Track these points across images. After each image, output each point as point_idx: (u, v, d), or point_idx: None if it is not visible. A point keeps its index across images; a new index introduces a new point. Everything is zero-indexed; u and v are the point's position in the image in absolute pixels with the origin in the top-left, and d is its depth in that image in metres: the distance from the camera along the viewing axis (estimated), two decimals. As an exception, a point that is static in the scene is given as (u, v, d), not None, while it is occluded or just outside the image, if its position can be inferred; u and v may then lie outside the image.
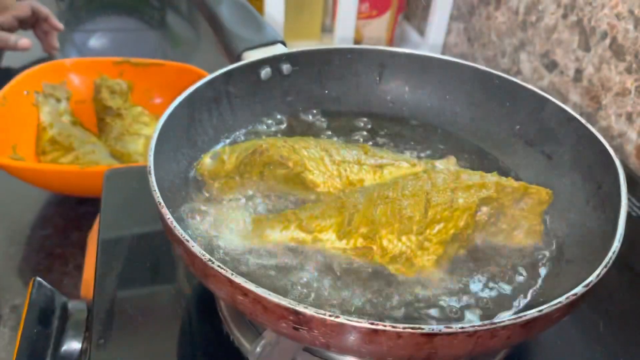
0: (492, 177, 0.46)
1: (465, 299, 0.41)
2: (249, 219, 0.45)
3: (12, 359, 0.45)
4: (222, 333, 0.46)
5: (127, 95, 0.85)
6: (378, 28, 1.10)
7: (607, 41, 0.72)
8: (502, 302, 0.41)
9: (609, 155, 0.46)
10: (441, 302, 0.40)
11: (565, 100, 0.81)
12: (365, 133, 0.58)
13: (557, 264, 0.44)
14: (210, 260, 0.34)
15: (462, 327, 0.31)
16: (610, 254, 0.36)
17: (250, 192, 0.48)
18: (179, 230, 0.36)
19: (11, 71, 1.10)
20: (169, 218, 0.36)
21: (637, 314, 0.53)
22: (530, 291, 0.42)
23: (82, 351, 0.47)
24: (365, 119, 0.60)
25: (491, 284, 0.42)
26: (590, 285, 0.34)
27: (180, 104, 0.48)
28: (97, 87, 0.84)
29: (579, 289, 0.34)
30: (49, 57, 1.08)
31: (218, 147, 0.53)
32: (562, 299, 0.33)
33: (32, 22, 1.03)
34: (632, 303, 0.54)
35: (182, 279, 0.51)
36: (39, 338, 0.46)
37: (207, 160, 0.49)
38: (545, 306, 0.32)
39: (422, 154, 0.56)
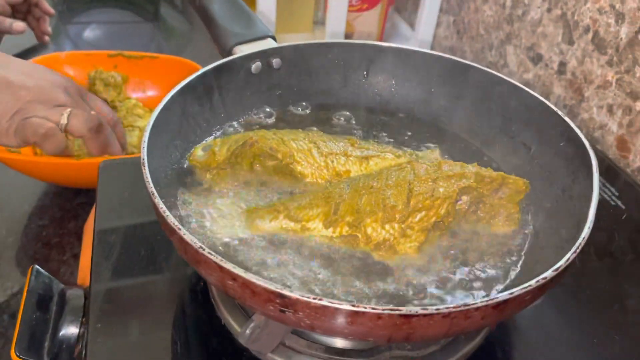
0: (472, 168, 0.48)
1: (445, 284, 0.43)
2: (240, 210, 0.47)
3: (12, 343, 0.47)
4: (214, 317, 0.48)
5: (121, 87, 0.87)
6: (369, 21, 1.11)
7: (590, 35, 0.74)
8: (482, 287, 0.43)
9: (585, 147, 0.48)
10: (422, 287, 0.42)
11: (549, 92, 0.83)
12: (352, 125, 0.60)
13: (534, 250, 0.46)
14: (201, 247, 0.36)
15: (438, 309, 0.33)
16: (580, 240, 0.38)
17: (241, 183, 0.50)
18: (171, 219, 0.37)
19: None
20: (161, 207, 0.38)
21: (617, 297, 0.55)
22: (509, 276, 0.44)
23: (80, 335, 0.49)
24: (353, 112, 0.62)
25: (471, 270, 0.44)
26: (559, 270, 0.36)
27: (173, 97, 0.50)
28: (92, 79, 0.86)
29: (548, 273, 0.36)
30: (41, 46, 1.09)
31: (210, 139, 0.55)
32: (532, 282, 0.35)
33: (24, 11, 1.03)
34: (612, 287, 0.56)
35: (176, 266, 0.53)
36: (37, 323, 0.48)
37: (198, 151, 0.50)
38: (516, 289, 0.34)
39: (408, 146, 0.58)
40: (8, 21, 0.95)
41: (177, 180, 0.49)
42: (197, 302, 0.49)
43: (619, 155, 0.72)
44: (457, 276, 0.44)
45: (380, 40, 1.15)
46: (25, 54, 1.15)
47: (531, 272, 0.44)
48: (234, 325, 0.46)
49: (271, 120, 0.59)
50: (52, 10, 1.01)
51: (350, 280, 0.42)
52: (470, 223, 0.48)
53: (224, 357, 0.45)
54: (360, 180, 0.47)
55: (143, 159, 0.42)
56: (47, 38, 1.03)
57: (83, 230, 0.74)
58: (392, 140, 0.58)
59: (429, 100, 0.62)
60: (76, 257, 0.71)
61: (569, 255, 0.37)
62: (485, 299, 0.34)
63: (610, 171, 0.70)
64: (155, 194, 0.40)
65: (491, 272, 0.44)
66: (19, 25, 0.95)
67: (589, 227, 0.39)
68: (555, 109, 0.52)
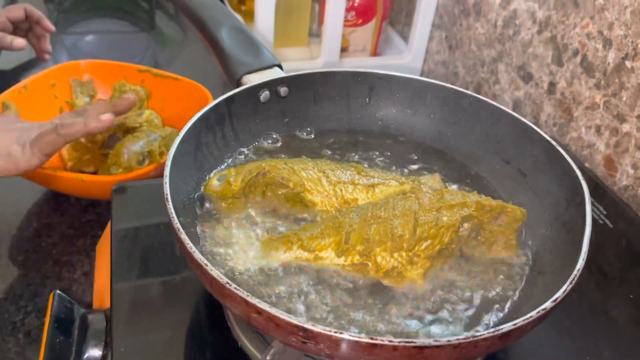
0: (473, 197, 0.51)
1: (450, 308, 0.46)
2: (255, 238, 0.49)
3: (39, 368, 0.49)
4: (230, 339, 0.50)
5: (143, 102, 0.88)
6: (363, 35, 1.14)
7: (579, 58, 0.78)
8: (484, 310, 0.46)
9: (576, 176, 0.51)
10: (429, 311, 0.45)
11: (540, 110, 0.87)
12: (356, 149, 0.63)
13: (531, 275, 0.50)
14: (227, 283, 0.38)
15: (449, 340, 0.36)
16: (575, 271, 0.42)
17: (254, 211, 0.52)
18: (197, 255, 0.40)
19: (3, 73, 1.13)
20: (188, 244, 0.41)
21: (605, 311, 0.58)
22: (509, 300, 0.47)
23: (103, 358, 0.51)
24: (356, 136, 0.65)
25: (473, 293, 0.48)
26: (557, 301, 0.39)
27: (189, 129, 0.53)
28: (116, 90, 0.87)
29: (547, 304, 0.39)
30: (37, 60, 1.10)
31: (222, 167, 0.57)
32: (533, 314, 0.38)
33: (26, 29, 1.05)
34: (601, 301, 0.60)
35: (193, 290, 0.55)
36: (61, 347, 0.51)
37: (214, 181, 0.53)
38: (519, 320, 0.38)
39: (410, 169, 0.61)
40: (9, 38, 0.96)
41: (195, 210, 0.52)
42: (214, 326, 0.51)
43: (607, 173, 0.76)
44: (460, 300, 0.47)
45: (375, 53, 1.18)
46: (22, 68, 1.17)
47: (530, 296, 0.47)
48: (250, 348, 0.49)
49: (278, 146, 0.62)
50: (53, 28, 1.02)
51: (363, 306, 0.45)
52: (471, 248, 0.51)
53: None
54: (368, 210, 0.50)
55: (166, 195, 0.45)
56: (47, 56, 1.05)
57: (93, 248, 0.76)
58: (394, 164, 0.61)
59: (428, 125, 0.65)
60: (87, 275, 0.73)
61: (566, 287, 0.40)
62: (492, 330, 0.37)
63: (598, 189, 0.73)
64: (181, 229, 0.42)
65: (492, 295, 0.48)
66: (19, 42, 0.97)
67: (583, 259, 0.43)
68: (549, 138, 0.55)
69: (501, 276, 0.49)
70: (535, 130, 0.57)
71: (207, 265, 0.39)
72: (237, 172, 0.53)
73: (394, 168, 0.61)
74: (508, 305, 0.47)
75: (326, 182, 0.53)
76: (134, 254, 0.58)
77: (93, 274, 0.72)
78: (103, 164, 0.79)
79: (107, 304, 0.55)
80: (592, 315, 0.58)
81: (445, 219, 0.49)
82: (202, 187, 0.54)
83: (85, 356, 0.51)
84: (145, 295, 0.54)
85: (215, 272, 0.39)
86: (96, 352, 0.51)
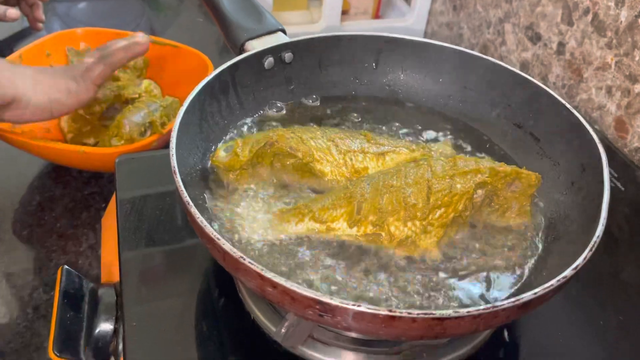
0: (486, 163, 0.50)
1: (464, 275, 0.46)
2: (265, 210, 0.48)
3: (50, 343, 0.49)
4: (243, 311, 0.50)
5: (142, 70, 0.86)
6: (365, -3, 1.11)
7: (589, 17, 0.76)
8: (499, 278, 0.45)
9: (593, 141, 0.50)
10: (444, 279, 0.45)
11: (548, 71, 0.85)
12: (364, 116, 0.61)
13: (546, 242, 0.49)
14: (241, 257, 0.37)
15: (469, 312, 0.35)
16: (594, 238, 0.41)
17: (263, 182, 0.51)
18: (209, 229, 0.39)
19: (-5, 44, 1.10)
20: (199, 218, 0.40)
21: (613, 275, 0.58)
22: (525, 267, 0.46)
23: (115, 331, 0.51)
24: (363, 102, 0.63)
25: (488, 260, 0.47)
26: (577, 269, 0.39)
27: (194, 99, 0.51)
28: None
29: (567, 272, 0.38)
30: (29, 30, 1.07)
31: (227, 137, 0.56)
32: (554, 282, 0.37)
33: None
34: (611, 265, 0.59)
35: (203, 261, 0.54)
36: (72, 322, 0.50)
37: (221, 152, 0.52)
38: (539, 289, 0.37)
39: (419, 137, 0.59)
40: (2, 8, 0.93)
41: (202, 181, 0.51)
42: (226, 298, 0.51)
43: (617, 135, 0.75)
44: (475, 268, 0.46)
45: (376, 16, 1.15)
46: (14, 38, 1.14)
47: (546, 263, 0.47)
48: (263, 320, 0.48)
49: (284, 114, 0.60)
50: None
51: (378, 276, 0.44)
52: (485, 215, 0.50)
53: (255, 351, 0.48)
54: (380, 179, 0.48)
55: (174, 167, 0.44)
56: (40, 25, 1.02)
57: (97, 221, 0.76)
58: (404, 130, 0.60)
59: (437, 89, 0.63)
60: (92, 248, 0.72)
61: (586, 254, 0.39)
62: (512, 299, 0.36)
63: (608, 152, 0.72)
64: (191, 203, 0.41)
65: (507, 263, 0.47)
66: (13, 12, 0.94)
67: (602, 225, 0.42)
68: (564, 101, 0.54)
69: (516, 243, 0.48)
70: (548, 92, 0.56)
71: (219, 240, 0.38)
72: (244, 142, 0.52)
73: (403, 135, 0.60)
74: (525, 272, 0.46)
75: (336, 151, 0.52)
76: (141, 226, 0.57)
77: (99, 247, 0.72)
78: (103, 136, 0.77)
79: (116, 278, 0.55)
80: (601, 280, 0.57)
81: (459, 186, 0.48)
82: (208, 158, 0.53)
83: (97, 331, 0.51)
84: (154, 267, 0.54)
85: (228, 246, 0.38)
86: (108, 326, 0.51)
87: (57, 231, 0.74)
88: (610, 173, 0.67)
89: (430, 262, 0.46)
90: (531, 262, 0.47)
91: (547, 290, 0.37)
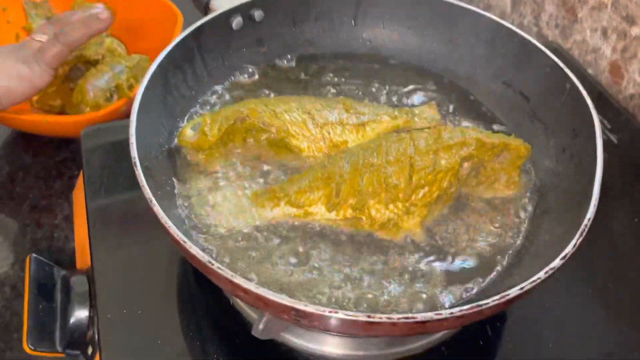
0: (473, 133, 0.47)
1: (450, 257, 0.44)
2: (238, 194, 0.45)
3: (23, 336, 0.47)
4: (222, 297, 0.48)
5: None
6: None
7: (587, -49, 0.70)
8: (486, 259, 0.44)
9: (586, 104, 0.46)
10: (430, 263, 0.43)
11: (541, 10, 0.80)
12: (343, 75, 0.57)
13: (534, 215, 0.46)
14: (209, 262, 0.35)
15: (452, 313, 0.33)
16: (585, 221, 0.38)
17: (235, 161, 0.48)
18: (174, 231, 0.36)
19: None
20: (163, 218, 0.37)
21: (604, 230, 0.56)
22: (513, 246, 0.44)
23: (90, 319, 0.49)
24: (342, 61, 0.59)
25: (475, 239, 0.45)
26: (566, 257, 0.36)
27: (154, 73, 0.47)
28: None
29: (556, 262, 0.36)
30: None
31: (195, 109, 0.52)
32: (541, 274, 0.35)
33: None
34: (602, 227, 0.57)
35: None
36: (45, 313, 0.48)
37: (188, 131, 0.48)
38: (526, 283, 0.35)
39: (403, 98, 0.56)
40: None
41: (169, 163, 0.47)
42: (205, 283, 0.49)
43: (612, 81, 0.71)
44: (461, 248, 0.44)
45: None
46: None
47: (535, 239, 0.45)
48: (242, 306, 0.47)
49: (256, 79, 0.56)
50: None
51: (359, 261, 0.42)
52: (471, 187, 0.48)
53: (234, 338, 0.46)
54: (359, 156, 0.45)
55: (134, 158, 0.40)
56: None
57: (71, 189, 0.72)
58: (386, 91, 0.56)
59: (421, 44, 0.59)
60: (67, 219, 0.69)
61: (575, 240, 0.37)
62: (497, 298, 0.34)
63: (601, 99, 0.69)
64: (154, 201, 0.38)
65: (495, 240, 0.45)
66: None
67: (594, 205, 0.39)
68: (558, 60, 0.50)
69: (503, 217, 0.46)
70: (538, 47, 0.52)
71: (185, 242, 0.36)
72: (212, 119, 0.48)
73: (385, 96, 0.56)
74: (512, 250, 0.44)
75: (312, 125, 0.48)
76: (112, 206, 0.54)
77: (73, 216, 0.69)
78: (70, 98, 0.72)
79: (89, 260, 0.53)
80: (593, 242, 0.56)
81: (443, 162, 0.45)
82: (175, 136, 0.49)
83: (72, 320, 0.49)
84: (128, 252, 0.51)
85: (195, 250, 0.36)
86: (82, 315, 0.49)
87: (30, 202, 0.71)
88: (603, 125, 0.65)
89: (414, 244, 0.44)
90: (520, 238, 0.45)
91: (534, 284, 0.35)
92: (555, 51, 0.73)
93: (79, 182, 0.63)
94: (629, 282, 0.52)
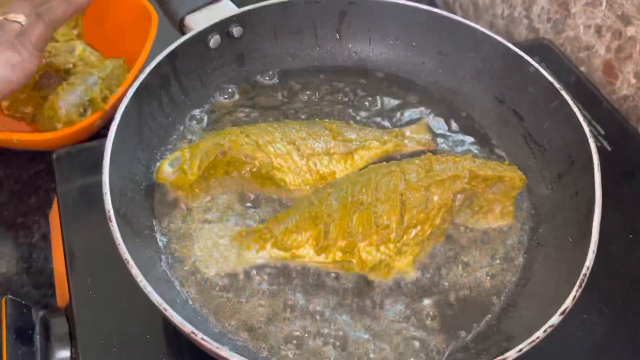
0: (466, 163, 0.45)
1: (444, 297, 0.42)
2: (223, 234, 0.43)
3: (3, 385, 0.46)
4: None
5: (77, 20, 0.75)
6: None
7: (581, -56, 0.66)
8: (482, 298, 0.42)
9: (584, 132, 0.44)
10: (421, 309, 0.41)
11: (532, 2, 0.76)
12: (328, 91, 0.55)
13: (530, 247, 0.45)
14: (193, 332, 0.33)
15: (448, 381, 0.32)
16: (584, 269, 0.37)
17: (218, 197, 0.46)
18: (155, 297, 0.34)
19: None
20: (142, 282, 0.35)
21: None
22: (506, 287, 0.43)
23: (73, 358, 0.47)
24: (327, 75, 0.56)
25: (467, 276, 0.43)
26: (566, 312, 0.35)
27: (127, 108, 0.44)
28: None
29: (555, 319, 0.35)
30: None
31: (175, 137, 0.49)
32: (540, 333, 0.34)
33: None
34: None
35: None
36: (25, 358, 0.47)
37: (166, 167, 0.45)
38: (524, 344, 0.34)
39: (390, 114, 0.53)
40: None
41: (147, 202, 0.45)
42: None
43: (605, 80, 0.69)
44: (454, 288, 0.43)
45: None
46: None
47: (529, 278, 0.43)
48: (230, 349, 0.45)
49: (236, 99, 0.53)
50: None
51: (351, 308, 0.41)
52: (463, 218, 0.46)
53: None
54: (348, 192, 0.43)
55: (109, 212, 0.38)
56: None
57: (48, 205, 0.70)
58: (375, 108, 0.53)
59: (409, 57, 0.56)
60: (45, 238, 0.67)
61: (575, 293, 0.36)
62: (495, 361, 0.33)
63: (594, 98, 0.67)
64: (131, 260, 0.36)
65: (489, 278, 0.43)
66: None
67: (593, 251, 0.38)
68: (553, 80, 0.48)
69: (498, 251, 0.45)
70: (532, 64, 0.49)
71: (166, 310, 0.34)
72: (191, 153, 0.45)
73: (373, 112, 0.53)
74: (507, 290, 0.43)
75: (297, 156, 0.46)
76: (90, 240, 0.52)
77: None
78: (41, 109, 0.69)
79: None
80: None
81: (435, 198, 0.43)
82: (153, 171, 0.46)
83: (53, 364, 0.47)
84: (110, 288, 0.49)
85: (177, 319, 0.34)
86: (63, 354, 0.48)
87: (5, 220, 0.68)
88: (596, 130, 0.63)
89: (406, 285, 0.42)
90: (514, 277, 0.43)
91: (532, 344, 0.34)
92: (547, 48, 0.72)
93: (55, 205, 0.60)
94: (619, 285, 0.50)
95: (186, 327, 0.33)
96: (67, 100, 0.62)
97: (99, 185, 0.54)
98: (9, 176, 0.72)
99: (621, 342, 0.47)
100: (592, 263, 0.37)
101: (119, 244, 0.36)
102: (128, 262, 0.36)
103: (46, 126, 0.66)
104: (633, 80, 0.66)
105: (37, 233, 0.68)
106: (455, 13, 0.90)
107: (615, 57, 0.67)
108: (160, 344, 0.46)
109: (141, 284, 0.35)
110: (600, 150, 0.62)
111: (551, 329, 0.34)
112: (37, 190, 0.71)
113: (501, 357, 0.33)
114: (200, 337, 0.33)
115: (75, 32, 0.77)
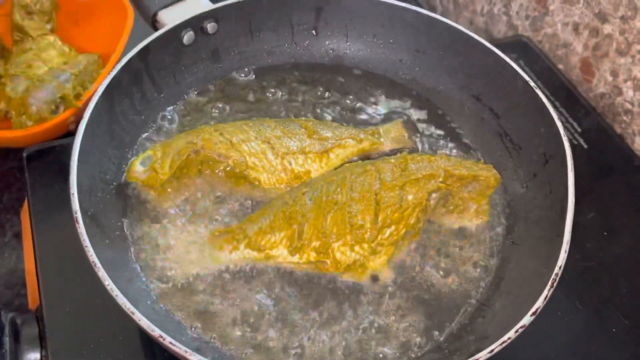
0: (441, 162, 0.45)
1: (417, 296, 0.42)
2: (195, 235, 0.43)
3: (-30, 389, 0.45)
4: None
5: (50, 15, 0.73)
6: None
7: (559, -58, 0.66)
8: (456, 296, 0.42)
9: (558, 131, 0.44)
10: (394, 305, 0.41)
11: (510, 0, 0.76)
12: (304, 89, 0.54)
13: (504, 246, 0.45)
14: (161, 336, 0.33)
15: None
16: (556, 269, 0.37)
17: (191, 196, 0.45)
18: (123, 301, 0.34)
19: None
20: (109, 285, 0.34)
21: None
22: (480, 286, 0.43)
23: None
24: (304, 72, 0.55)
25: (442, 275, 0.43)
26: (537, 312, 0.35)
27: (96, 106, 0.43)
28: (15, 5, 0.71)
29: (526, 319, 0.35)
30: None
31: (147, 134, 0.48)
32: (511, 334, 0.34)
33: None
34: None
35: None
36: (-6, 361, 0.46)
37: (137, 166, 0.44)
38: (496, 345, 0.34)
39: (367, 112, 0.53)
40: None
41: (118, 202, 0.44)
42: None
43: (582, 78, 0.69)
44: (429, 286, 0.43)
45: None
46: None
47: (503, 278, 0.43)
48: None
49: (212, 97, 0.52)
50: None
51: (324, 311, 0.40)
52: (438, 216, 0.46)
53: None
54: (322, 192, 0.43)
55: (76, 213, 0.37)
56: None
57: (20, 203, 0.68)
58: (350, 107, 0.53)
59: (387, 54, 0.55)
60: (18, 237, 0.65)
61: (546, 293, 0.36)
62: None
63: (571, 96, 0.67)
64: (99, 264, 0.35)
65: (463, 276, 0.43)
66: None
67: (565, 251, 0.38)
68: (529, 79, 0.47)
69: (473, 249, 0.45)
70: (509, 64, 0.49)
71: (134, 314, 0.33)
72: (163, 152, 0.44)
73: (349, 110, 0.53)
74: (481, 289, 0.43)
75: (272, 155, 0.45)
76: (61, 240, 0.51)
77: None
78: (13, 102, 0.67)
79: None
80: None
81: (410, 197, 0.43)
82: (124, 171, 0.45)
83: (23, 366, 0.46)
84: (81, 289, 0.48)
85: (145, 322, 0.33)
86: (33, 356, 0.47)
87: (-23, 219, 0.67)
88: (573, 128, 0.63)
89: (381, 285, 0.42)
90: (489, 276, 0.43)
91: (504, 344, 0.34)
92: (525, 45, 0.72)
93: (25, 207, 0.59)
94: (593, 282, 0.51)
95: (155, 331, 0.33)
96: (37, 96, 0.61)
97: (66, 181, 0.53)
98: (-20, 173, 0.71)
99: (595, 338, 0.47)
100: (564, 262, 0.37)
101: (86, 246, 0.36)
102: (95, 264, 0.35)
103: (17, 123, 0.65)
104: (609, 78, 0.66)
105: (9, 231, 0.66)
106: (435, 9, 0.90)
107: (592, 54, 0.67)
108: (132, 345, 0.46)
109: (108, 287, 0.34)
110: (577, 147, 0.62)
111: (522, 329, 0.34)
112: (10, 188, 0.70)
113: (473, 358, 0.33)
114: (168, 341, 0.32)
115: (49, 26, 0.75)
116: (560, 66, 0.71)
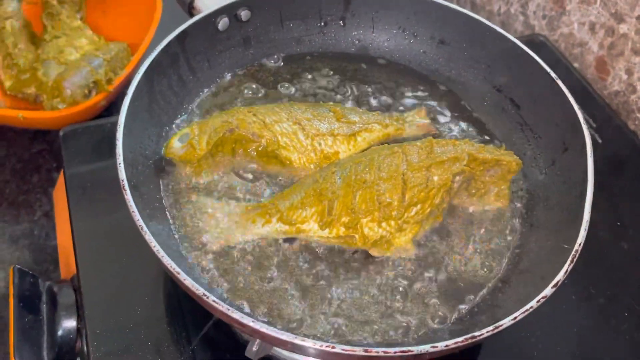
0: (465, 146, 0.46)
1: (439, 273, 0.44)
2: (229, 208, 0.45)
3: (10, 351, 0.47)
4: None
5: (80, 4, 0.76)
6: None
7: (577, -57, 0.69)
8: (477, 273, 0.44)
9: (578, 119, 0.46)
10: (421, 279, 0.43)
11: (528, -1, 0.79)
12: (331, 77, 0.56)
13: (523, 228, 0.47)
14: (204, 294, 0.35)
15: (447, 345, 0.34)
16: (576, 246, 0.39)
17: (225, 173, 0.47)
18: (168, 262, 0.36)
19: None
20: (155, 247, 0.36)
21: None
22: (502, 261, 0.45)
23: (79, 331, 0.49)
24: (330, 60, 0.58)
25: (463, 254, 0.45)
26: (558, 284, 0.37)
27: (139, 84, 0.45)
28: None
29: (547, 290, 0.37)
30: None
31: (181, 118, 0.51)
32: (533, 303, 0.36)
33: None
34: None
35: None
36: (32, 327, 0.48)
37: (175, 142, 0.47)
38: (519, 312, 0.36)
39: (393, 101, 0.55)
40: None
41: (156, 176, 0.46)
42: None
43: (597, 76, 0.71)
44: (451, 263, 0.44)
45: None
46: None
47: (523, 256, 0.45)
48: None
49: (244, 81, 0.55)
50: None
51: (352, 283, 0.42)
52: (461, 199, 0.48)
53: (222, 345, 0.46)
54: (352, 171, 0.45)
55: (122, 181, 0.39)
56: None
57: (50, 184, 0.71)
58: (375, 95, 0.55)
59: (411, 45, 0.58)
60: (47, 216, 0.68)
61: (567, 267, 0.38)
62: (491, 328, 0.35)
63: (586, 93, 0.69)
64: (145, 228, 0.37)
65: (484, 255, 0.45)
66: None
67: (584, 229, 0.40)
68: (550, 70, 0.49)
69: (493, 230, 0.47)
70: (529, 54, 0.51)
71: (179, 274, 0.35)
72: (200, 129, 0.46)
73: (374, 98, 0.55)
74: (501, 267, 0.45)
75: (303, 136, 0.47)
76: (96, 213, 0.53)
77: (54, 213, 0.67)
78: (46, 88, 0.69)
79: (74, 267, 0.52)
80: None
81: (436, 178, 0.45)
82: (162, 146, 0.48)
83: (59, 333, 0.48)
84: (116, 261, 0.50)
85: (189, 282, 0.35)
86: (69, 326, 0.49)
87: (7, 198, 0.69)
88: (587, 123, 0.65)
89: (405, 260, 0.44)
90: (508, 253, 0.45)
91: (526, 313, 0.36)
92: (541, 44, 0.74)
93: (60, 181, 0.61)
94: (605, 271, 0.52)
95: (198, 290, 0.35)
96: (72, 81, 0.63)
97: (104, 161, 0.56)
98: (10, 155, 0.73)
99: (608, 323, 0.49)
100: (584, 240, 0.39)
101: (133, 212, 0.38)
102: (142, 228, 0.37)
103: (49, 106, 0.67)
104: (624, 77, 0.68)
105: (38, 210, 0.69)
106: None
107: (607, 53, 0.69)
108: (164, 313, 0.48)
109: (155, 249, 0.36)
110: (592, 142, 0.64)
111: (544, 299, 0.36)
112: (39, 169, 0.72)
113: (497, 324, 0.35)
114: (211, 299, 0.34)
115: (79, 15, 0.78)
116: (576, 64, 0.73)
